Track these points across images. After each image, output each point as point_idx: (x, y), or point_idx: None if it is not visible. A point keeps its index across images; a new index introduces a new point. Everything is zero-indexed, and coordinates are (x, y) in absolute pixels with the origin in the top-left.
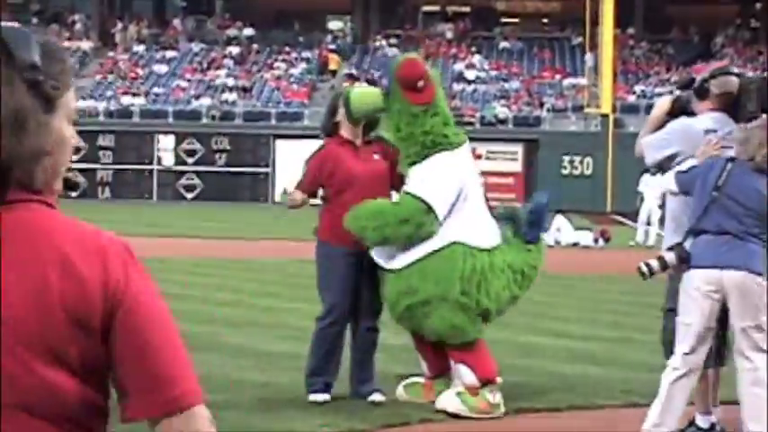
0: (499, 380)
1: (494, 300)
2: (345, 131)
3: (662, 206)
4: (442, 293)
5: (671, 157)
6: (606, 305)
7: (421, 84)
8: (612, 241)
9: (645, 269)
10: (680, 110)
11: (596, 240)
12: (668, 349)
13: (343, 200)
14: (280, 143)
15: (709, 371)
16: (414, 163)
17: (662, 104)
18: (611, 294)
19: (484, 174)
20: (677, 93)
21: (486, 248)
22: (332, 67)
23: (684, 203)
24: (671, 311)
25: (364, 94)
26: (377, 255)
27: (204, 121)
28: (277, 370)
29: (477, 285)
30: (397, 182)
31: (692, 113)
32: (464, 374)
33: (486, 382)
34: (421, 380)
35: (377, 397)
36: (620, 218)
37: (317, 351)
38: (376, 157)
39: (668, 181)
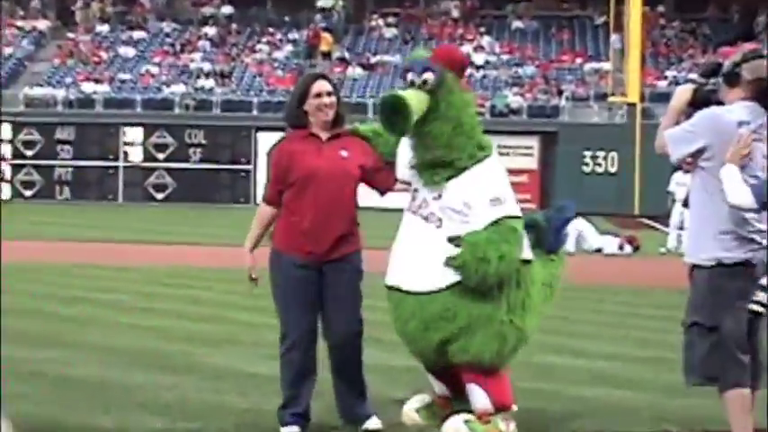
0: (514, 407)
1: (536, 318)
2: (314, 124)
3: (686, 205)
4: (488, 314)
5: (698, 153)
6: (634, 320)
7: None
8: (641, 248)
9: (758, 307)
10: (702, 100)
11: (621, 247)
12: (690, 369)
13: (301, 202)
14: (262, 136)
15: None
16: (450, 177)
17: (681, 94)
18: (639, 308)
19: None
20: (705, 80)
21: (528, 259)
22: (323, 48)
23: (714, 204)
24: (694, 326)
25: (416, 97)
26: (397, 276)
27: (177, 111)
28: (260, 394)
29: (522, 303)
30: (381, 181)
31: (717, 103)
32: (477, 397)
33: (501, 409)
34: (432, 397)
35: (372, 424)
36: (649, 221)
37: (285, 379)
38: (343, 153)
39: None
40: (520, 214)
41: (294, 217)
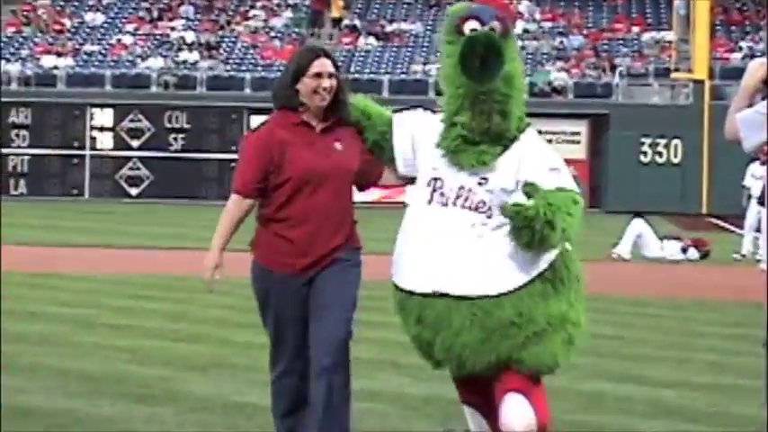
0: None
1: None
2: (307, 109)
3: (762, 202)
4: (564, 313)
5: None
6: (702, 341)
7: None
8: (710, 254)
9: None
10: None
11: (684, 250)
12: None
13: (292, 207)
14: (256, 120)
15: None
16: (500, 154)
17: (756, 69)
18: (709, 326)
19: None
20: None
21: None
22: (334, 14)
23: None
24: None
25: None
26: (440, 281)
27: (154, 89)
28: (253, 428)
29: (583, 301)
30: (369, 175)
31: None
32: (520, 411)
33: (541, 430)
34: None
35: None
36: (719, 222)
37: (277, 411)
38: (338, 147)
39: None
40: (578, 189)
41: (282, 224)
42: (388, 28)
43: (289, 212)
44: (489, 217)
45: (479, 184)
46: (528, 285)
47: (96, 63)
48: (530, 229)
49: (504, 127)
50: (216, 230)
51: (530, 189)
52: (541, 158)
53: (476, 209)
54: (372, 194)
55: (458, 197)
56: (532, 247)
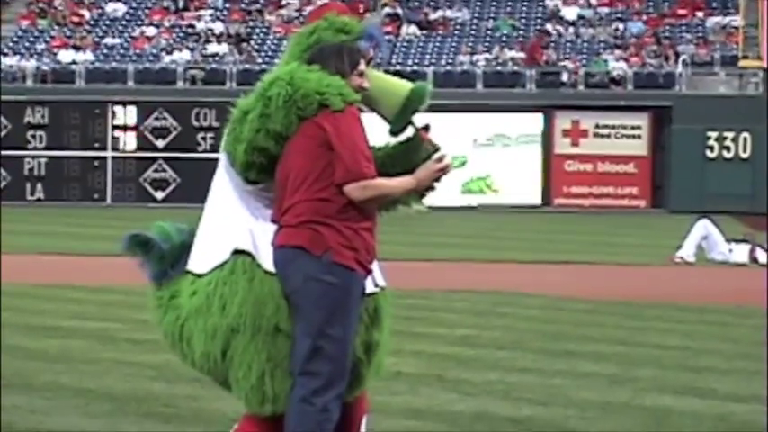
0: None
1: None
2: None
3: None
4: None
5: None
6: None
7: None
8: None
9: None
10: None
11: (755, 259)
12: None
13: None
14: None
15: None
16: None
17: None
18: None
19: (592, 159)
20: None
21: None
22: None
23: None
24: None
25: None
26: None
27: (180, 85)
28: None
29: None
30: None
31: None
32: None
33: None
34: None
35: None
36: None
37: None
38: None
39: None
40: None
41: (354, 221)
42: (432, 15)
43: (369, 210)
44: None
45: None
46: None
47: (118, 57)
48: None
49: None
50: (395, 187)
51: None
52: None
53: None
54: None
55: None
56: None
